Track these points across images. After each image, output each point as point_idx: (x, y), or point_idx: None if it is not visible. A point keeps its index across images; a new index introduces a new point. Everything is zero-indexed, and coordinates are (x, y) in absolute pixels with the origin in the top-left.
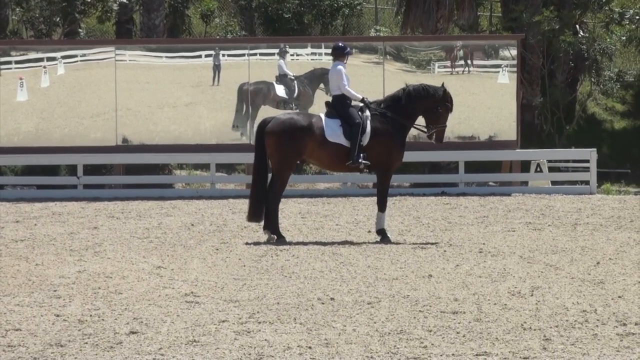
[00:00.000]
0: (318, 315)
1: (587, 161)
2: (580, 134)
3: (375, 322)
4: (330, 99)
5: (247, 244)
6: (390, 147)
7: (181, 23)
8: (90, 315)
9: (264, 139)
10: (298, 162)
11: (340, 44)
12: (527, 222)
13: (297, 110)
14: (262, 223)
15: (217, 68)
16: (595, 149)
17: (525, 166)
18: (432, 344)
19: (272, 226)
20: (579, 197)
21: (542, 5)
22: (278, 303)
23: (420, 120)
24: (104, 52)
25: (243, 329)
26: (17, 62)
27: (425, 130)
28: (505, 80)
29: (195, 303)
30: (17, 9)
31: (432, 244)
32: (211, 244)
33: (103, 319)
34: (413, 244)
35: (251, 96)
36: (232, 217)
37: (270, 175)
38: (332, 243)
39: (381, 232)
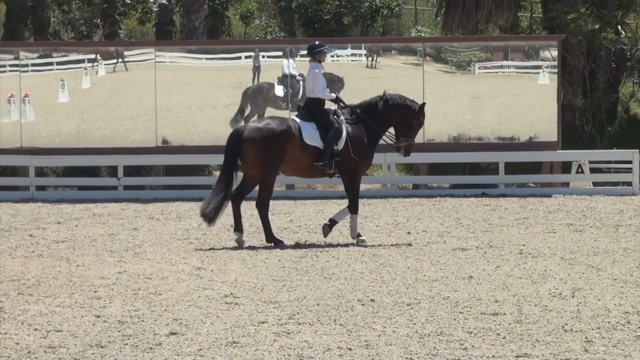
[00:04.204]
0: (358, 316)
1: (630, 162)
2: (622, 135)
3: (415, 324)
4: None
5: (286, 245)
6: (362, 152)
7: (221, 24)
8: (130, 317)
9: (238, 147)
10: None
11: (315, 43)
12: (568, 223)
13: (271, 116)
14: (227, 225)
15: (257, 69)
16: (637, 150)
17: (566, 167)
18: (472, 346)
19: (267, 233)
20: (621, 198)
21: (582, 5)
22: (318, 304)
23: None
24: (144, 54)
25: (283, 330)
26: (58, 64)
27: (394, 141)
28: (546, 81)
29: (235, 304)
30: (58, 11)
31: (473, 245)
32: (251, 245)
33: (143, 320)
34: (453, 245)
35: (252, 96)
36: (271, 218)
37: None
38: (372, 244)
39: (357, 236)
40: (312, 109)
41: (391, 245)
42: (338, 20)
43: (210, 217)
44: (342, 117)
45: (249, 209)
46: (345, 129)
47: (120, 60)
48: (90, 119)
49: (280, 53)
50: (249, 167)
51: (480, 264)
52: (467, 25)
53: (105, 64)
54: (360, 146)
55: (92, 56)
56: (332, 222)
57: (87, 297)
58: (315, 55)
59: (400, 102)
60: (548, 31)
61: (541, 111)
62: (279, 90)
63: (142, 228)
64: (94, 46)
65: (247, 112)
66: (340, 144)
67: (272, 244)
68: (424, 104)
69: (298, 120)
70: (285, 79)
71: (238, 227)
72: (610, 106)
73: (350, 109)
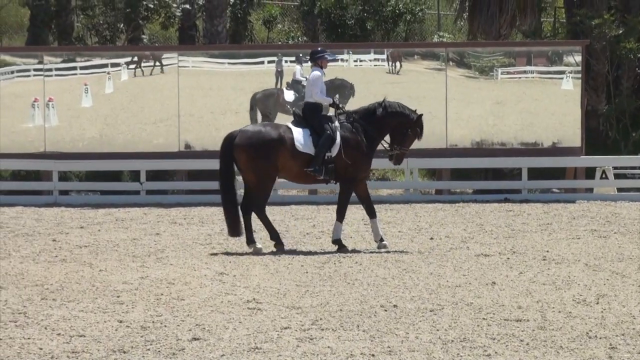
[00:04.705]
0: (381, 322)
1: None
2: None
3: (438, 330)
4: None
5: (309, 250)
6: (359, 158)
7: (243, 29)
8: (153, 322)
9: (231, 153)
10: (276, 175)
11: (317, 49)
12: (592, 229)
13: (265, 122)
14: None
15: (279, 74)
16: None
17: (590, 173)
18: (496, 352)
19: (274, 236)
20: None
21: (607, 10)
22: (341, 310)
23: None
24: (167, 58)
25: (305, 336)
26: (81, 68)
27: (387, 148)
28: (570, 86)
29: (258, 310)
30: (82, 16)
31: (496, 251)
32: (273, 250)
33: (165, 326)
34: (476, 251)
35: (261, 101)
36: (294, 224)
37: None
38: (395, 250)
39: (337, 242)
40: (308, 114)
41: (414, 251)
42: (361, 25)
43: (238, 233)
44: (336, 123)
45: (270, 214)
46: (339, 135)
47: (157, 63)
48: (113, 124)
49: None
50: (243, 172)
51: (503, 270)
52: (491, 30)
53: (143, 67)
54: (356, 152)
55: (116, 60)
56: (338, 242)
57: (109, 302)
58: (317, 60)
59: (398, 111)
60: (572, 36)
61: (565, 116)
62: (289, 95)
63: (164, 233)
64: (117, 51)
65: (259, 115)
66: (334, 150)
67: (274, 243)
68: (421, 115)
69: (292, 126)
70: (295, 84)
71: (250, 240)
72: (635, 111)
73: (347, 115)
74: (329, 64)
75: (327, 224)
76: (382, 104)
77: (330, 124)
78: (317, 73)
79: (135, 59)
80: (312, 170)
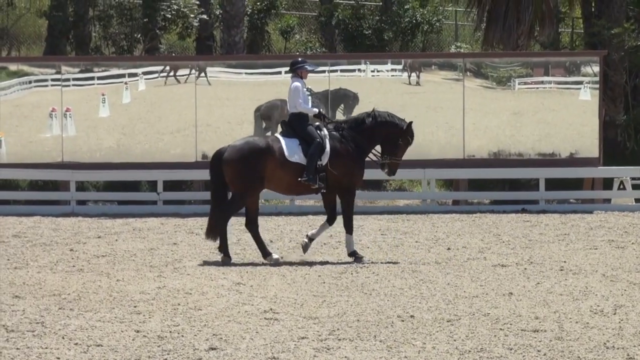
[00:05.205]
0: (398, 332)
1: None
2: None
3: (455, 340)
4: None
5: (326, 260)
6: (351, 167)
7: (261, 39)
8: (170, 332)
9: (220, 168)
10: (262, 188)
11: (297, 59)
12: (610, 239)
13: (251, 136)
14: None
15: None
16: None
17: (607, 184)
18: None
19: (224, 249)
20: None
21: (626, 21)
22: (358, 320)
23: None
24: (185, 69)
25: (323, 346)
26: (99, 78)
27: (379, 159)
28: (587, 97)
29: (275, 320)
30: (99, 26)
31: (513, 262)
32: (290, 261)
33: (183, 335)
34: (493, 261)
35: (267, 112)
36: (311, 233)
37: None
38: (412, 260)
39: (353, 254)
40: (294, 125)
41: (431, 261)
42: (378, 36)
43: (214, 238)
44: (324, 132)
45: (288, 224)
46: (328, 144)
47: (202, 74)
48: (131, 134)
49: (322, 68)
50: (231, 186)
51: (520, 280)
52: (508, 41)
53: (182, 75)
54: (347, 161)
55: (133, 70)
56: (353, 254)
57: (127, 312)
58: (296, 70)
59: (388, 120)
60: (589, 47)
61: (582, 127)
62: None
63: (181, 243)
64: (134, 61)
65: (264, 126)
66: (324, 159)
67: (222, 255)
68: (411, 122)
69: (280, 137)
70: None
71: (265, 253)
72: None
73: (336, 125)
74: (322, 74)
75: (344, 234)
76: (371, 114)
77: (318, 131)
78: (297, 84)
79: (166, 67)
80: (307, 180)
